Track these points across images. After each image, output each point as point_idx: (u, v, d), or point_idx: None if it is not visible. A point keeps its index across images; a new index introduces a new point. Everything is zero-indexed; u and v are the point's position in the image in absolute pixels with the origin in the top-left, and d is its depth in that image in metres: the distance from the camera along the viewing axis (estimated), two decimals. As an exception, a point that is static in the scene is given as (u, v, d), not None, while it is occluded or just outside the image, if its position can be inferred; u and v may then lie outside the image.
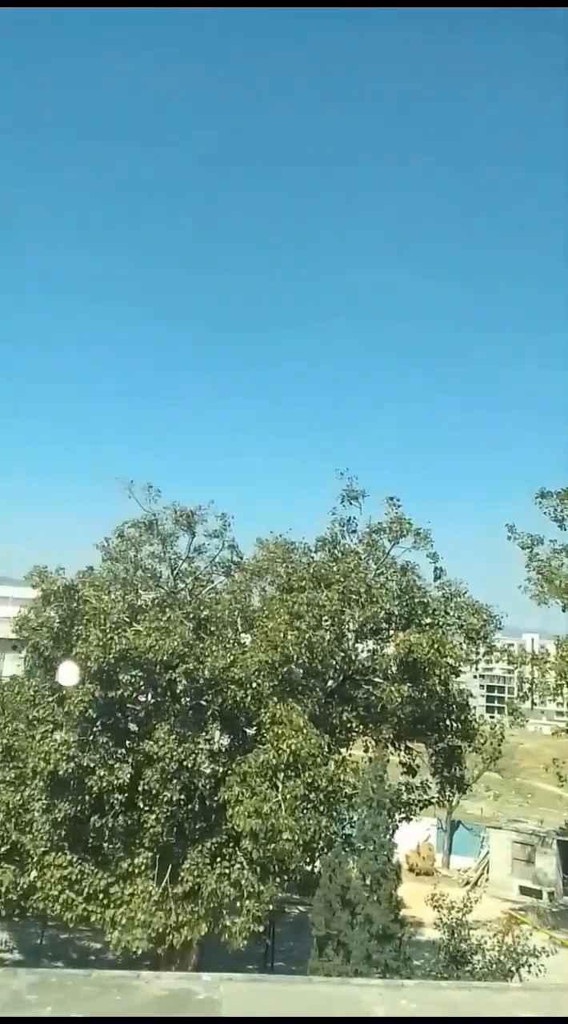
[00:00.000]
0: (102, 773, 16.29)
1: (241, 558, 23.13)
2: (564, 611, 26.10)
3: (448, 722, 22.00)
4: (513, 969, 14.74)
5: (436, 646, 19.00)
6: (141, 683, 17.34)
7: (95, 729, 17.01)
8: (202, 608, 18.84)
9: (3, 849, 16.90)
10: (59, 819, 16.42)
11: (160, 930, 16.24)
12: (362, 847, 14.23)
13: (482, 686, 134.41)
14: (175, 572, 22.08)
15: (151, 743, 16.70)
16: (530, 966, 14.93)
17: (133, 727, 18.91)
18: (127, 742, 17.94)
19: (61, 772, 16.13)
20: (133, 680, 16.87)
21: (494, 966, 14.54)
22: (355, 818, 16.78)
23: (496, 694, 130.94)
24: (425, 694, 19.92)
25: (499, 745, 24.33)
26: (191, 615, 17.97)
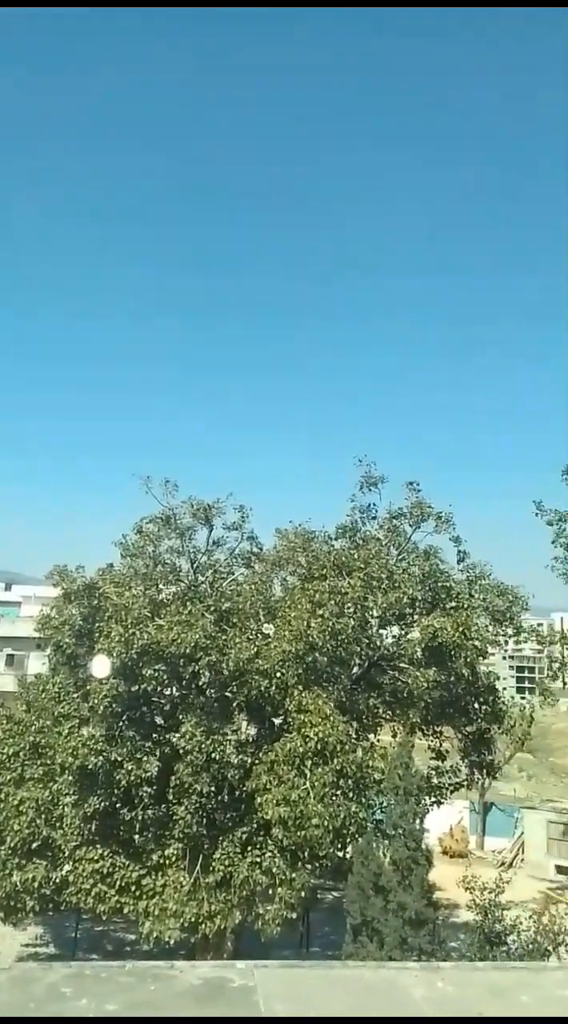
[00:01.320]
0: (130, 767, 16.39)
1: (261, 549, 23.09)
2: (591, 589, 25.71)
3: (476, 705, 21.88)
4: (550, 949, 14.61)
5: (461, 629, 18.86)
6: (165, 677, 17.39)
7: (121, 724, 17.10)
8: (223, 600, 18.84)
9: (35, 845, 17.08)
10: (89, 813, 16.56)
11: (193, 920, 16.35)
12: (392, 834, 14.17)
13: (512, 667, 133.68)
14: (195, 566, 22.07)
15: (178, 736, 16.77)
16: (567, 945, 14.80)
17: (159, 720, 19.01)
18: (154, 735, 18.03)
19: (89, 766, 16.25)
20: (156, 674, 16.93)
21: (530, 946, 14.42)
22: (385, 804, 16.72)
23: (526, 675, 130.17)
24: (452, 678, 19.80)
25: (528, 727, 24.15)
26: (212, 608, 17.98)
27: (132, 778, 16.40)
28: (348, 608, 18.87)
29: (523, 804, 40.29)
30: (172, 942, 16.33)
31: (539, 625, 29.85)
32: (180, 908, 16.19)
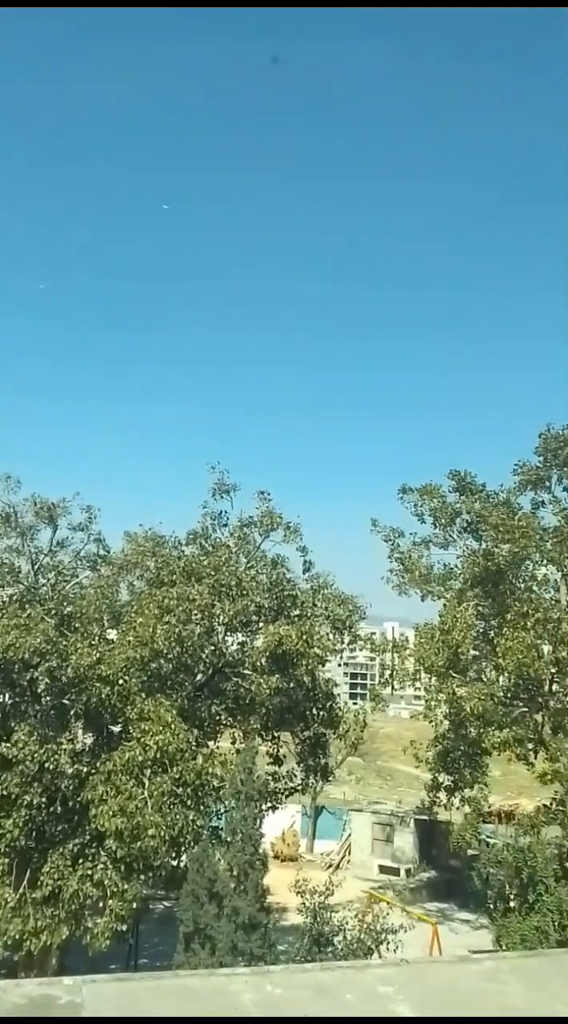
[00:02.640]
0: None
1: (108, 552, 22.58)
2: (422, 600, 27.38)
3: (314, 711, 22.57)
4: (373, 947, 15.27)
5: (304, 637, 19.39)
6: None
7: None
8: (66, 604, 18.22)
9: None
10: None
11: (16, 937, 15.64)
12: (230, 839, 14.28)
13: (346, 673, 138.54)
14: (36, 567, 21.19)
15: (9, 745, 15.98)
16: (388, 942, 15.53)
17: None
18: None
19: None
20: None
21: (355, 945, 15.01)
22: (223, 810, 16.79)
23: (359, 681, 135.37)
24: (292, 684, 20.31)
25: (362, 732, 25.23)
26: (53, 611, 17.32)
27: (-44, 791, 15.45)
28: (196, 615, 18.89)
29: (351, 807, 41.76)
30: (-7, 961, 15.55)
31: (373, 634, 31.33)
32: (4, 925, 15.46)
